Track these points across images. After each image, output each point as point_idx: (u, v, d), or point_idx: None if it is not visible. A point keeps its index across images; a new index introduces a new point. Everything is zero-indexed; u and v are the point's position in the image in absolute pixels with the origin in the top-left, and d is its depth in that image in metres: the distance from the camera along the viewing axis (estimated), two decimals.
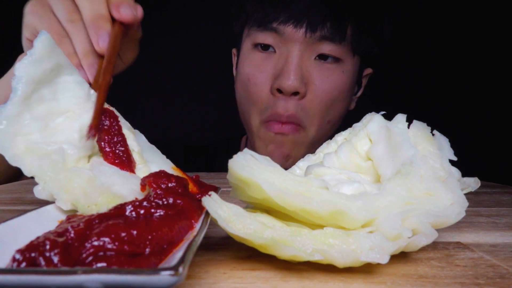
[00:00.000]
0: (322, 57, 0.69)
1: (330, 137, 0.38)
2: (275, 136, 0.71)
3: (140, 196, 0.28)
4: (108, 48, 0.36)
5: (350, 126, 0.36)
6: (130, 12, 0.38)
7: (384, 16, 0.75)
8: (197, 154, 0.92)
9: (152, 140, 0.37)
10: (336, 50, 0.69)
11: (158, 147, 0.37)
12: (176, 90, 1.54)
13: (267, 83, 0.69)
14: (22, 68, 0.29)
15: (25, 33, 0.43)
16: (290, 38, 0.67)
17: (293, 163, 0.70)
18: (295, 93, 0.67)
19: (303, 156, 0.71)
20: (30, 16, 0.41)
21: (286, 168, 0.71)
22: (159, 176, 0.27)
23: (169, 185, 0.26)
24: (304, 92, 0.67)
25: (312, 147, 0.73)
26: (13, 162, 0.28)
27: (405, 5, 1.28)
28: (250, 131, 0.76)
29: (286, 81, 0.65)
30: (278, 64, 0.68)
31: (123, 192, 0.29)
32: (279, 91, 0.67)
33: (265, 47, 0.70)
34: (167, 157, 0.37)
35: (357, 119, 0.36)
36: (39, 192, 0.29)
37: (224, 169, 0.28)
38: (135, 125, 0.36)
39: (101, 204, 0.28)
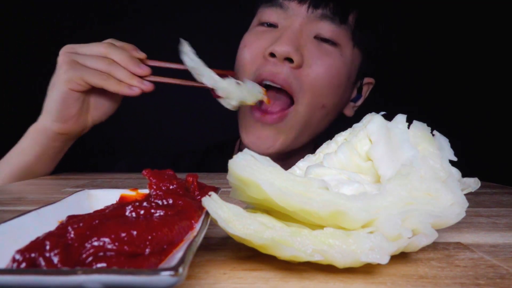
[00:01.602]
0: (322, 39, 0.70)
1: (329, 135, 0.38)
2: (256, 123, 0.70)
3: None
4: None
5: (350, 126, 0.36)
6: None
7: (385, 11, 0.76)
8: (190, 159, 0.92)
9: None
10: (335, 32, 0.69)
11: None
12: (173, 93, 1.53)
13: (261, 48, 0.70)
14: None
15: (69, 86, 0.60)
16: (293, 13, 0.69)
17: (285, 146, 0.70)
18: (290, 61, 0.67)
19: (294, 139, 0.71)
20: (72, 71, 0.59)
21: (276, 155, 0.71)
22: (161, 178, 0.27)
23: (171, 187, 0.26)
24: (299, 61, 0.66)
25: (304, 131, 0.72)
26: None
27: (407, 5, 1.28)
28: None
29: (279, 45, 0.66)
30: (276, 35, 0.69)
31: None
32: (272, 55, 0.67)
33: (269, 26, 0.72)
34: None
35: (357, 119, 0.36)
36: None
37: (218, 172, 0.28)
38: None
39: None
